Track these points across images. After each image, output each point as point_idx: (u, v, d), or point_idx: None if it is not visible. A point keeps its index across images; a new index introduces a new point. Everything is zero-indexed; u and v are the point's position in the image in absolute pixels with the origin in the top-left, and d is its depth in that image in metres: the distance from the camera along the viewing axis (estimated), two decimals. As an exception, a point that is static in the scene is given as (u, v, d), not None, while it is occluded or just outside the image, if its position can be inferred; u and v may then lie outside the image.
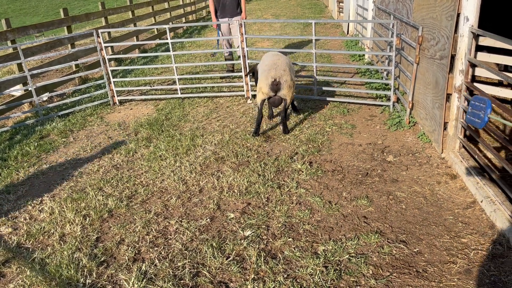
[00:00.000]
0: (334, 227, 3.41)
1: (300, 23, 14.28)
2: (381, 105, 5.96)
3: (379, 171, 4.25)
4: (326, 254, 3.08)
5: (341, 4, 14.48)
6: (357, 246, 3.15)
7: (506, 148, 3.96)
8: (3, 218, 3.92)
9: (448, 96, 4.16)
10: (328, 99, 6.38)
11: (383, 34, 7.20)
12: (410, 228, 3.31)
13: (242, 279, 2.92)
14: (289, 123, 5.64)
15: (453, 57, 4.00)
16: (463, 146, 4.12)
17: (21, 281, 3.05)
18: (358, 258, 3.02)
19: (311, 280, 2.84)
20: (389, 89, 6.11)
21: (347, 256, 3.04)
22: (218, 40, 8.35)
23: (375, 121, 5.53)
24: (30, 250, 3.43)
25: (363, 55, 8.79)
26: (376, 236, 3.23)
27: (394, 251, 3.07)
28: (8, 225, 3.81)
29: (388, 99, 5.92)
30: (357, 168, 4.35)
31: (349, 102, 6.24)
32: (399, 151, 4.63)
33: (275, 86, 4.97)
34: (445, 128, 4.29)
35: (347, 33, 11.87)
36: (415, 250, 3.07)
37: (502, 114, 4.56)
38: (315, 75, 6.24)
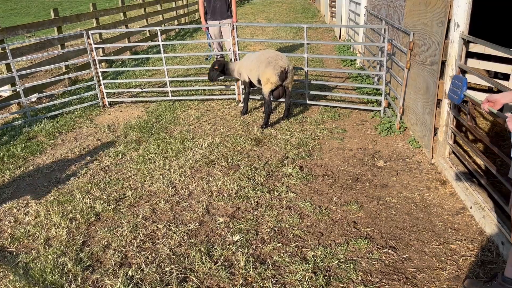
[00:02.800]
0: (324, 232, 3.39)
1: (292, 28, 14.32)
2: (372, 110, 5.97)
3: (369, 176, 4.24)
4: (315, 260, 3.05)
5: (333, 9, 14.55)
6: (346, 252, 3.13)
7: (494, 153, 3.97)
8: (-13, 221, 3.84)
9: (439, 102, 4.17)
10: (319, 103, 6.37)
11: (375, 39, 7.23)
12: (400, 234, 3.30)
13: (230, 285, 2.88)
14: (279, 127, 5.62)
15: (443, 63, 4.01)
16: (453, 152, 4.13)
17: (4, 286, 2.97)
18: (347, 264, 2.99)
19: (300, 286, 2.81)
20: (380, 94, 6.12)
21: (337, 262, 3.02)
22: (209, 44, 8.32)
23: (366, 126, 5.53)
24: (14, 254, 3.35)
25: (355, 60, 8.82)
26: (366, 242, 3.21)
27: (383, 257, 3.05)
28: (-8, 228, 3.72)
29: (379, 104, 5.93)
30: (347, 173, 4.34)
31: (340, 107, 6.24)
32: (390, 156, 4.63)
33: (284, 75, 5.33)
34: (435, 134, 4.30)
35: (339, 38, 11.92)
36: (404, 256, 3.05)
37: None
38: (306, 79, 6.23)
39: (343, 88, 7.17)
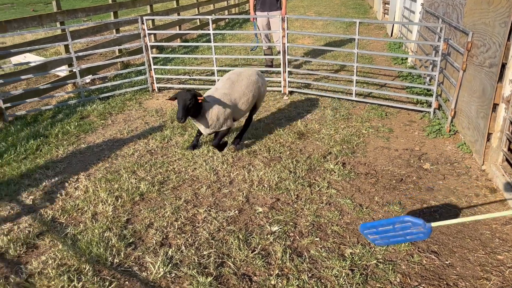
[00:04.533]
0: (363, 231, 3.34)
1: (343, 23, 14.06)
2: (421, 111, 5.78)
3: (414, 178, 4.13)
4: (353, 257, 3.02)
5: (386, 5, 14.14)
6: (385, 252, 3.07)
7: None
8: (40, 193, 4.07)
9: (495, 106, 3.98)
10: (366, 101, 6.25)
11: (429, 38, 6.97)
12: (443, 239, 3.20)
13: (266, 274, 2.91)
14: (323, 122, 5.56)
15: (503, 66, 3.82)
16: (506, 159, 3.94)
17: (53, 254, 3.15)
18: (386, 265, 2.94)
19: (336, 282, 2.79)
20: (431, 95, 5.92)
21: (375, 262, 2.97)
22: (256, 34, 8.33)
23: (414, 127, 5.37)
24: (64, 225, 3.54)
25: (406, 58, 8.56)
26: (406, 244, 3.14)
27: (424, 261, 2.98)
28: (44, 200, 3.95)
29: (429, 105, 5.74)
30: (391, 173, 4.24)
31: (387, 106, 6.09)
32: (437, 159, 4.48)
33: None
34: (488, 139, 4.11)
35: (391, 36, 11.59)
36: (446, 262, 2.96)
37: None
38: (355, 75, 6.12)
39: (391, 87, 6.98)
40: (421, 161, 4.46)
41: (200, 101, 4.22)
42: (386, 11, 14.18)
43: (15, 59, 8.72)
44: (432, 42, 6.22)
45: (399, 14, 10.48)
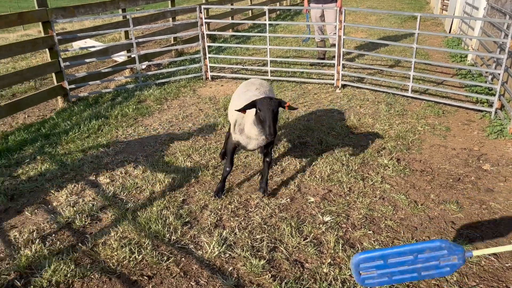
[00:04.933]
0: (418, 227, 3.29)
1: (397, 18, 13.66)
2: (481, 111, 5.56)
3: (472, 178, 4.00)
4: (407, 253, 2.98)
5: (445, 1, 13.59)
6: (441, 250, 3.01)
7: None
8: (103, 170, 4.29)
9: None
10: (422, 97, 6.08)
11: (494, 35, 6.66)
12: (504, 242, 3.09)
13: (318, 262, 2.93)
14: (377, 117, 5.47)
15: None
16: None
17: (115, 227, 3.33)
18: (442, 263, 2.88)
19: (390, 275, 2.78)
20: (493, 94, 5.67)
21: (430, 259, 2.92)
22: (308, 26, 8.26)
23: (473, 127, 5.18)
24: (124, 201, 3.72)
25: (465, 56, 8.21)
26: (464, 244, 3.06)
27: (483, 262, 2.89)
28: (106, 176, 4.16)
29: (490, 105, 5.50)
30: (448, 171, 4.13)
31: (445, 104, 5.89)
32: (498, 160, 4.31)
33: None
34: (556, 143, 3.90)
35: (449, 32, 11.14)
36: (507, 265, 2.86)
37: None
38: (412, 71, 5.96)
39: (449, 85, 6.75)
40: (480, 161, 4.31)
41: (286, 108, 3.40)
42: (444, 7, 13.64)
43: (76, 44, 9.16)
44: (497, 39, 5.94)
45: (460, 10, 10.06)
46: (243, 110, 3.26)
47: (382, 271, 1.76)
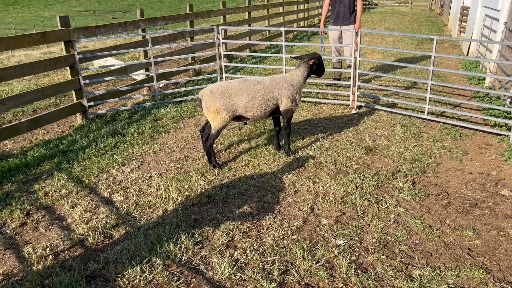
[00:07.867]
0: (433, 253, 3.22)
1: (414, 40, 13.67)
2: (499, 134, 5.47)
3: (490, 203, 3.91)
4: (421, 279, 2.92)
5: (463, 23, 13.57)
6: (457, 278, 2.94)
7: None
8: (117, 187, 4.34)
9: None
10: (439, 120, 6.02)
11: (512, 58, 6.60)
12: (522, 271, 3.00)
13: (330, 286, 2.89)
14: (393, 138, 5.42)
15: None
16: None
17: (127, 245, 3.35)
18: (457, 291, 2.81)
19: (403, 302, 2.71)
20: (511, 118, 5.58)
21: (445, 286, 2.85)
22: (322, 47, 8.31)
23: (491, 150, 5.09)
24: (137, 219, 3.75)
25: (483, 79, 8.14)
26: (481, 272, 2.97)
27: (500, 292, 2.81)
28: (120, 194, 4.20)
29: (509, 129, 5.42)
30: (465, 196, 4.05)
31: (462, 126, 5.82)
32: (517, 186, 4.21)
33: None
34: None
35: (467, 54, 11.08)
36: (526, 295, 2.77)
37: None
38: (428, 93, 5.93)
39: (466, 107, 6.67)
40: (499, 186, 4.22)
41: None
42: (462, 29, 13.61)
43: (97, 62, 9.40)
44: (515, 62, 5.87)
45: (478, 32, 10.02)
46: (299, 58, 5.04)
47: None
